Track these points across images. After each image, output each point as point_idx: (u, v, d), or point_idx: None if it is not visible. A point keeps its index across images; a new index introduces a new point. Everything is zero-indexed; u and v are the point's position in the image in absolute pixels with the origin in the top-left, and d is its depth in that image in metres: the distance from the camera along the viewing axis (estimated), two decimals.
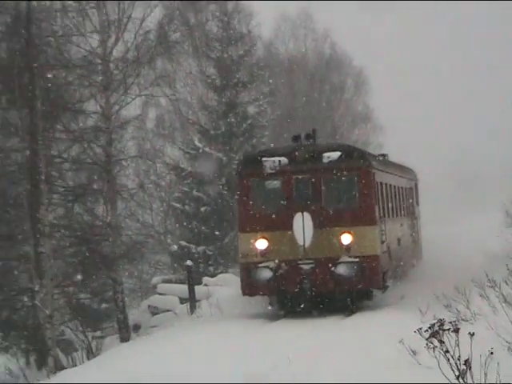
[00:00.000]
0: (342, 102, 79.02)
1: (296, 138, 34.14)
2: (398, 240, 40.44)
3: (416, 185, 53.45)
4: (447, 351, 9.58)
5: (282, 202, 32.35)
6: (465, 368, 9.39)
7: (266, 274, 31.35)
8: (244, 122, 50.03)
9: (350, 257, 31.43)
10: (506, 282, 21.38)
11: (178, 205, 50.19)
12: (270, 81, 57.96)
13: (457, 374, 9.43)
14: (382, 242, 33.79)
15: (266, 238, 32.12)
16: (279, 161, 32.22)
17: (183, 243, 48.47)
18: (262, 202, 32.96)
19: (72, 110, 41.19)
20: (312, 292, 31.27)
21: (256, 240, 32.23)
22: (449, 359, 9.55)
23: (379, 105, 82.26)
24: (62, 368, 29.83)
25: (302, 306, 31.83)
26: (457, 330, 9.77)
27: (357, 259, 31.32)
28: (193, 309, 35.94)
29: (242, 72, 51.87)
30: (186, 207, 51.62)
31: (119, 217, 44.93)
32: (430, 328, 9.93)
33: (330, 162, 31.96)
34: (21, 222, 38.14)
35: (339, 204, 32.61)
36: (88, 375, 24.86)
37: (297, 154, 32.37)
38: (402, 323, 23.38)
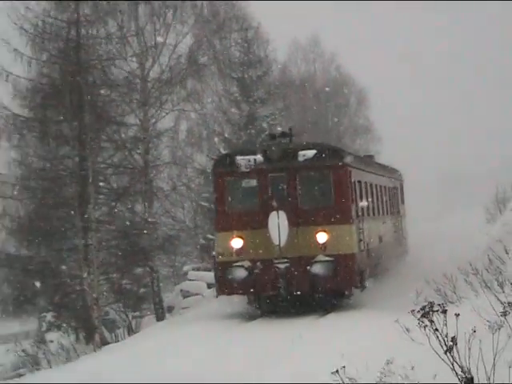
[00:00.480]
0: (345, 116, 79.05)
1: (272, 137, 30.70)
2: (380, 238, 36.87)
3: (401, 184, 49.73)
4: (436, 329, 9.61)
5: (257, 200, 28.99)
6: (451, 344, 9.40)
7: (241, 273, 27.91)
8: (262, 132, 50.03)
9: (326, 256, 27.81)
10: (487, 270, 21.35)
11: (205, 204, 50.04)
12: (284, 98, 58.12)
13: (445, 349, 9.44)
14: (360, 241, 30.17)
15: (242, 237, 28.68)
16: (254, 159, 28.81)
17: (210, 236, 48.45)
18: (237, 200, 29.52)
19: (115, 123, 41.21)
20: (287, 291, 27.89)
21: (231, 239, 28.74)
22: (438, 336, 9.57)
23: (378, 118, 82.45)
24: (107, 343, 29.90)
25: (278, 306, 28.80)
26: (444, 311, 9.78)
27: (332, 258, 27.73)
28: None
29: (260, 90, 51.80)
30: (213, 206, 51.68)
31: (155, 214, 45.02)
32: (421, 309, 9.95)
33: (306, 160, 28.59)
34: (71, 218, 38.33)
35: (315, 202, 28.92)
36: (128, 349, 25.03)
37: (272, 152, 28.96)
38: (375, 322, 22.20)
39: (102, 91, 40.84)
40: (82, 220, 37.71)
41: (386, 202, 41.07)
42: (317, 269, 27.48)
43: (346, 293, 29.34)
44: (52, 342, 31.48)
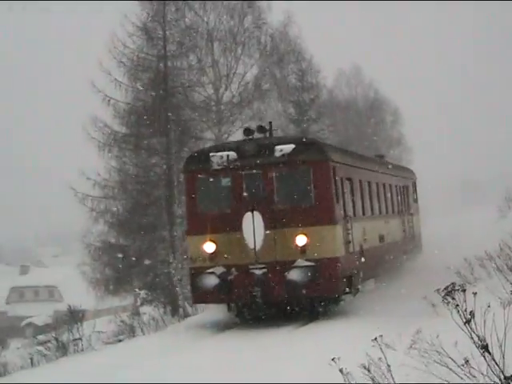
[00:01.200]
0: (382, 131, 78.63)
1: (248, 131, 23.54)
2: (381, 237, 29.67)
3: (414, 183, 41.41)
4: (457, 305, 9.62)
5: (230, 200, 22.50)
6: (470, 317, 9.42)
7: (212, 280, 21.77)
8: None
9: (306, 260, 21.54)
10: (498, 257, 21.23)
11: None
12: (332, 117, 58.12)
13: (464, 321, 9.46)
14: (348, 243, 23.51)
15: (214, 241, 22.28)
16: (227, 156, 22.56)
17: None
18: (209, 201, 23.06)
19: (195, 138, 41.51)
20: (264, 300, 21.55)
21: (204, 243, 22.36)
22: (458, 311, 9.58)
23: (409, 131, 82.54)
24: (188, 316, 30.06)
25: (254, 315, 22.62)
26: (464, 290, 9.77)
27: (312, 263, 21.38)
28: None
29: (312, 110, 51.81)
30: None
31: None
32: (445, 289, 9.96)
33: (283, 155, 22.15)
34: (160, 215, 38.87)
35: (293, 202, 22.20)
36: (203, 319, 25.30)
37: (246, 147, 22.61)
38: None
39: (185, 112, 41.27)
40: (168, 216, 38.25)
41: (392, 200, 33.43)
42: (294, 275, 21.27)
43: (331, 299, 22.96)
44: (145, 314, 31.68)
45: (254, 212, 21.90)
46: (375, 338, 10.35)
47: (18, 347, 26.58)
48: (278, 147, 22.42)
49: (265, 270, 21.61)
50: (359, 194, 26.87)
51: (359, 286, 24.42)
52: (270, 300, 21.76)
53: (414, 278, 27.74)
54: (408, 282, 26.84)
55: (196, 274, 22.41)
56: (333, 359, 9.80)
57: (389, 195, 32.57)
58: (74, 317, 23.46)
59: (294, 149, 22.29)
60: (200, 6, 45.76)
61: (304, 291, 21.28)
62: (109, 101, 40.16)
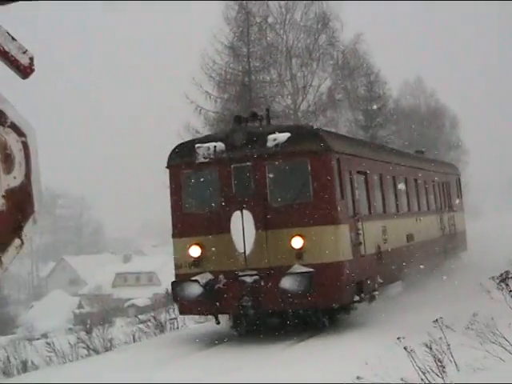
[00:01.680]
0: (442, 135, 77.73)
1: (238, 119, 18.84)
2: (410, 236, 24.08)
3: (457, 179, 34.98)
4: (511, 291, 9.54)
5: (218, 198, 17.69)
6: None
7: (195, 289, 17.01)
8: None
9: (304, 265, 16.70)
10: None
11: None
12: (397, 123, 57.70)
13: None
14: (358, 244, 18.42)
15: (200, 245, 17.54)
16: (214, 147, 17.84)
17: None
18: (195, 199, 18.28)
19: None
20: (255, 311, 16.78)
21: (189, 247, 17.62)
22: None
23: (467, 136, 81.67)
24: None
25: (247, 329, 18.18)
26: None
27: (311, 269, 16.51)
28: None
29: (380, 118, 51.71)
30: None
31: None
32: (500, 276, 9.89)
33: (277, 145, 17.38)
34: None
35: (289, 199, 17.38)
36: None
37: (235, 137, 17.79)
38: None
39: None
40: None
41: (427, 197, 27.84)
42: (287, 283, 16.27)
43: (337, 308, 17.99)
44: None
45: (244, 211, 17.08)
46: (436, 320, 10.30)
47: (122, 325, 27.01)
48: (271, 136, 17.62)
49: (256, 277, 16.79)
50: (378, 189, 21.77)
51: (376, 292, 19.25)
52: (263, 311, 17.07)
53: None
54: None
55: (178, 282, 17.48)
56: (398, 338, 9.70)
57: (422, 191, 27.11)
58: (171, 299, 23.87)
59: (289, 138, 17.30)
60: (280, 26, 45.99)
61: (301, 301, 16.22)
62: (200, 110, 40.84)
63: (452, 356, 9.82)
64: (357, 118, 52.39)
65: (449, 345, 9.88)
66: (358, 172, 19.72)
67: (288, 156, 17.39)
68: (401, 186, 24.05)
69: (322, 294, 16.35)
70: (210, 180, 18.10)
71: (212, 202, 17.87)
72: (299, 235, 16.87)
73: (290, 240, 16.93)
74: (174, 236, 18.39)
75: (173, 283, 17.72)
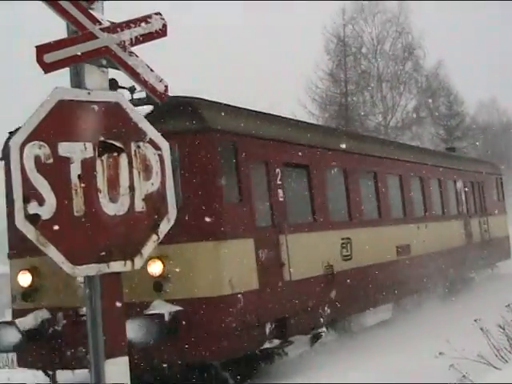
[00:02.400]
0: None
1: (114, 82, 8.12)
2: (403, 248, 15.03)
3: (498, 179, 24.92)
4: None
5: None
6: None
7: (11, 336, 8.98)
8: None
9: (167, 302, 8.67)
10: None
11: None
12: (474, 136, 56.34)
13: None
14: (277, 267, 10.10)
15: (31, 270, 9.63)
16: None
17: None
18: None
19: None
20: None
21: (18, 272, 9.78)
22: None
23: None
24: None
25: None
26: None
27: (175, 307, 8.61)
28: None
29: (458, 132, 50.92)
30: None
31: None
32: None
33: None
34: None
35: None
36: None
37: None
38: None
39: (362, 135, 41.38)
40: None
41: (443, 199, 18.57)
42: (133, 331, 8.02)
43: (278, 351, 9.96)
44: None
45: None
46: (508, 305, 9.74)
47: None
48: None
49: None
50: (334, 189, 12.77)
51: (321, 330, 11.05)
52: None
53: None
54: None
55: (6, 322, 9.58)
56: (475, 320, 9.19)
57: (435, 193, 18.22)
58: None
59: (151, 112, 9.10)
60: (372, 55, 46.02)
61: (159, 356, 8.61)
62: None
63: None
64: (438, 132, 51.70)
65: None
66: (286, 164, 11.00)
67: None
68: (389, 186, 15.13)
69: (192, 344, 8.61)
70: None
71: None
72: (157, 258, 8.80)
73: (147, 265, 8.82)
74: (9, 256, 10.28)
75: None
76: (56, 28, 3.73)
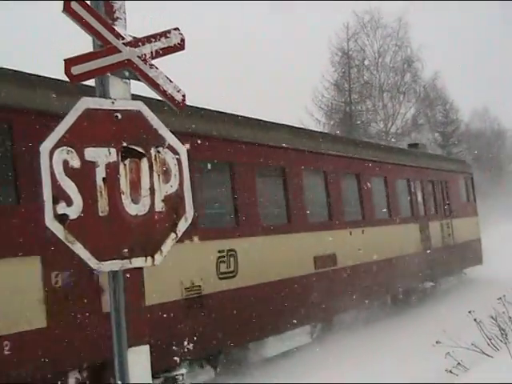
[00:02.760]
0: (504, 150, 74.81)
1: None
2: (324, 259, 11.50)
3: (468, 179, 20.84)
4: None
5: None
6: None
7: None
8: None
9: None
10: None
11: None
12: (468, 142, 56.07)
13: None
14: (87, 295, 6.51)
15: None
16: None
17: None
18: None
19: None
20: None
21: None
22: None
23: None
24: None
25: None
26: None
27: None
28: None
29: (454, 138, 51.10)
30: None
31: None
32: None
33: None
34: None
35: None
36: None
37: None
38: None
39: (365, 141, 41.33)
40: None
41: (389, 199, 14.93)
42: None
43: None
44: None
45: None
46: (500, 298, 9.71)
47: None
48: None
49: None
50: (227, 187, 9.67)
51: (179, 372, 8.05)
52: None
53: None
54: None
55: None
56: (469, 312, 9.14)
57: (380, 193, 14.72)
58: None
59: None
60: (374, 67, 46.10)
61: None
62: None
63: None
64: (435, 138, 51.56)
65: (510, 317, 9.34)
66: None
67: None
68: (299, 185, 11.50)
69: None
70: None
71: None
72: None
73: None
74: None
75: None
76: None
